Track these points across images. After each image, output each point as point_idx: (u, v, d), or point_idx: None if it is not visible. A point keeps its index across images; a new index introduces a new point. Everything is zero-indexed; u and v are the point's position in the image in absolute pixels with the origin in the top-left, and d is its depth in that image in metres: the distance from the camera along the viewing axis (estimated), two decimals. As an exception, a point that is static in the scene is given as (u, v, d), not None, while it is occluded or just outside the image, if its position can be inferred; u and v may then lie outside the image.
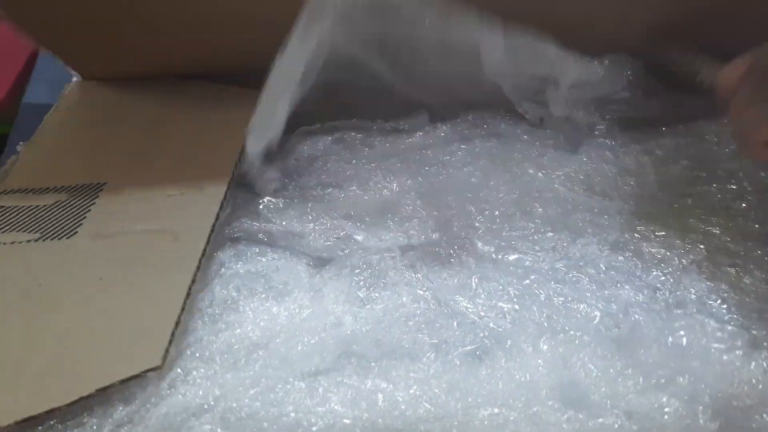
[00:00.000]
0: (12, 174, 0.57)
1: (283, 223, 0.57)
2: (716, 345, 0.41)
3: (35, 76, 1.28)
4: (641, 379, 0.40)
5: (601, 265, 0.54)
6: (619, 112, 0.67)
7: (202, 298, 0.48)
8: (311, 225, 0.57)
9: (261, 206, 0.58)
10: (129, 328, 0.43)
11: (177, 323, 0.43)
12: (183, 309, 0.44)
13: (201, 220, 0.51)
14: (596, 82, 0.64)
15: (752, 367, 0.40)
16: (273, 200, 0.59)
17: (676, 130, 0.64)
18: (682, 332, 0.42)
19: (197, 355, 0.43)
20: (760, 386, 0.40)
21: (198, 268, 0.47)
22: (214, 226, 0.51)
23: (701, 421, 0.39)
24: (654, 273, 0.53)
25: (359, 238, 0.56)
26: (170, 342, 0.42)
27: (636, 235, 0.56)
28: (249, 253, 0.53)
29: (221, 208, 0.53)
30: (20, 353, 0.42)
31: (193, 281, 0.46)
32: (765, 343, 0.43)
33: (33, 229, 0.52)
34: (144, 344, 0.42)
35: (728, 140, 0.62)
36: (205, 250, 0.49)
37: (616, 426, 0.38)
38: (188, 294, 0.45)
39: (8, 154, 1.16)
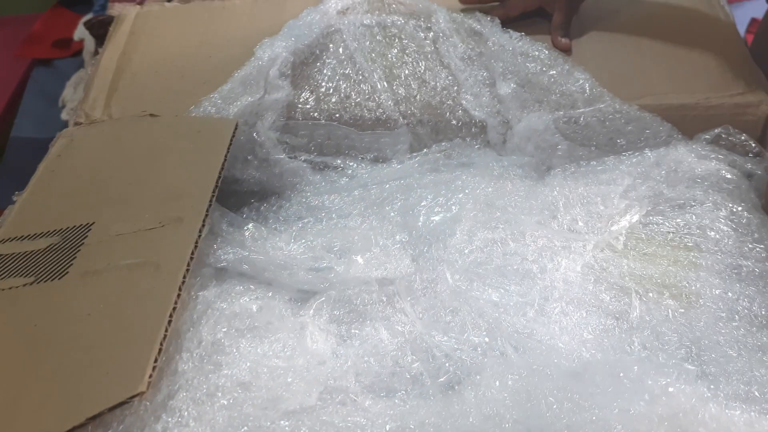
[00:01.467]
0: (8, 223, 0.60)
1: (269, 253, 0.60)
2: (664, 380, 0.45)
3: (21, 111, 1.30)
4: (597, 411, 0.44)
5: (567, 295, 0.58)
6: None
7: (191, 338, 0.51)
8: (293, 256, 0.60)
9: (247, 234, 0.61)
10: (115, 358, 0.46)
11: (159, 350, 0.46)
12: (165, 336, 0.47)
13: (180, 249, 0.54)
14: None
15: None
16: (257, 230, 0.61)
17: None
18: (635, 367, 0.46)
19: (188, 396, 0.46)
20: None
21: (178, 295, 0.50)
22: (193, 254, 0.54)
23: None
24: (607, 298, 0.57)
25: (339, 269, 0.59)
26: (153, 368, 0.45)
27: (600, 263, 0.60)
28: (233, 293, 0.56)
29: (200, 236, 0.55)
30: (15, 391, 0.45)
31: (174, 308, 0.49)
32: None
33: (28, 274, 0.55)
34: (128, 373, 0.45)
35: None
36: (184, 278, 0.51)
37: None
38: (170, 321, 0.48)
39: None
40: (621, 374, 0.45)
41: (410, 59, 0.77)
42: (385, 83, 0.74)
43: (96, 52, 1.24)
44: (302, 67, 0.75)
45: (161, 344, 0.46)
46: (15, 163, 1.20)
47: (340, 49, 0.77)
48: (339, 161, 0.70)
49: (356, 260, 0.57)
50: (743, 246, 0.62)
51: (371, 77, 0.74)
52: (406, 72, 0.76)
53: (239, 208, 0.68)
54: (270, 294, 0.57)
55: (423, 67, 0.76)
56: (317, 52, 0.76)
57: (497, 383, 0.47)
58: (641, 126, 0.69)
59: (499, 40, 0.77)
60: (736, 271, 0.60)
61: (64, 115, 1.19)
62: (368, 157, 0.71)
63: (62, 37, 1.43)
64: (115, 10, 1.33)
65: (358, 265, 0.57)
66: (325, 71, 0.75)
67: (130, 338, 0.47)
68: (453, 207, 0.64)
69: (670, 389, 0.44)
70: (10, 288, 0.54)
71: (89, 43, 1.30)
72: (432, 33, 0.79)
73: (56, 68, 1.40)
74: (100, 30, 1.23)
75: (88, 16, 1.35)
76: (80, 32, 1.36)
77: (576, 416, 0.44)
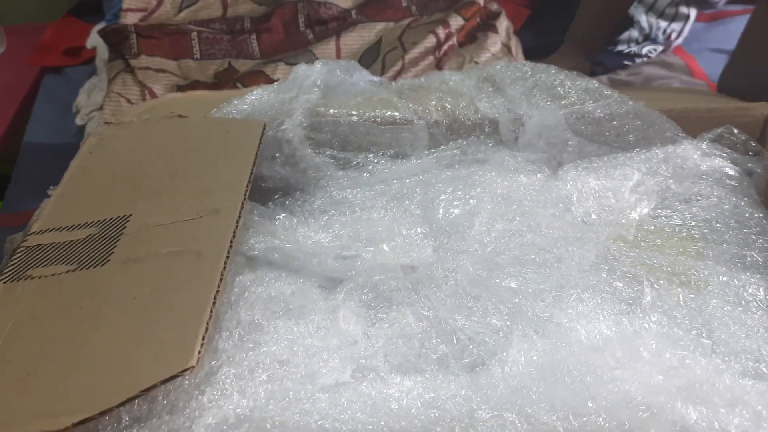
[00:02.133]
0: (45, 215, 0.62)
1: (298, 241, 0.62)
2: (681, 353, 0.48)
3: (33, 117, 1.32)
4: (618, 383, 0.47)
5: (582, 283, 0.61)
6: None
7: (230, 319, 0.53)
8: (322, 244, 0.63)
9: (277, 223, 0.64)
10: (162, 337, 0.48)
11: (206, 329, 0.48)
12: (210, 316, 0.49)
13: (220, 237, 0.57)
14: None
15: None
16: (287, 219, 0.64)
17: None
18: (653, 342, 0.49)
19: (231, 371, 0.49)
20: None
21: (221, 279, 0.52)
22: (231, 242, 0.56)
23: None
24: (620, 285, 0.60)
25: (366, 256, 0.62)
26: (202, 345, 0.47)
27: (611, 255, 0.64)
28: (267, 279, 0.59)
29: (237, 226, 0.58)
30: (67, 368, 0.47)
31: (218, 291, 0.51)
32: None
33: (70, 261, 0.57)
34: (178, 349, 0.47)
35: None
36: (225, 263, 0.54)
37: (600, 422, 0.44)
38: (214, 303, 0.50)
39: (11, 193, 1.20)
40: (641, 348, 0.48)
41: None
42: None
43: (109, 60, 1.27)
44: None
45: (207, 324, 0.48)
46: (28, 167, 1.22)
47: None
48: (361, 157, 0.73)
49: (382, 248, 0.60)
50: (747, 238, 0.66)
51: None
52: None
53: (264, 203, 0.70)
54: (301, 280, 0.59)
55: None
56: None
57: (523, 359, 0.50)
58: (648, 123, 0.73)
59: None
60: (740, 260, 0.64)
61: (78, 120, 1.22)
62: (389, 153, 0.74)
63: (73, 46, 1.46)
64: (128, 19, 1.37)
65: (384, 252, 0.60)
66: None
67: (177, 318, 0.49)
68: (471, 200, 0.67)
69: (687, 361, 0.47)
70: (53, 274, 0.56)
71: (102, 51, 1.33)
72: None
73: (67, 76, 1.43)
74: (114, 38, 1.26)
75: (101, 25, 1.38)
76: (93, 40, 1.39)
77: (599, 388, 0.46)
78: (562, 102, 0.75)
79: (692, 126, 0.74)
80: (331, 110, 0.74)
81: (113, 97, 1.14)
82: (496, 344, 0.56)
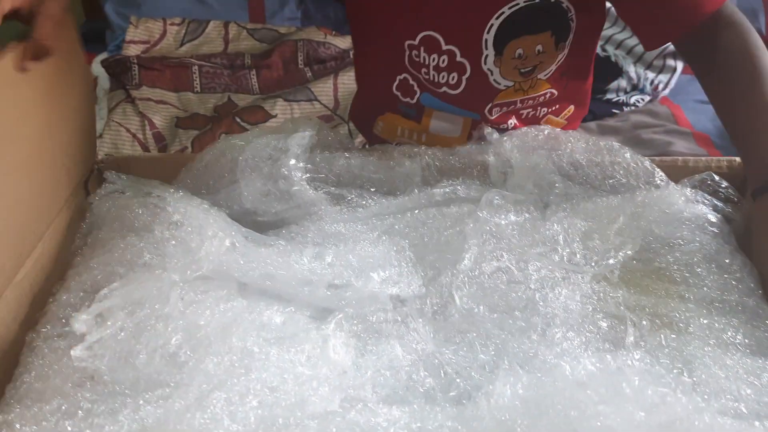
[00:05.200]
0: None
1: (292, 267, 0.63)
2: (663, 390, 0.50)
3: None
4: (602, 418, 0.48)
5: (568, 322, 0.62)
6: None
7: (221, 344, 0.54)
8: (314, 271, 0.64)
9: (270, 250, 0.65)
10: None
11: None
12: None
13: None
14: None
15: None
16: (281, 247, 0.65)
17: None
18: (636, 378, 0.51)
19: (221, 395, 0.49)
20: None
21: None
22: None
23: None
24: (605, 325, 0.62)
25: (358, 284, 0.63)
26: None
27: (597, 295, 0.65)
28: (259, 307, 0.60)
29: None
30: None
31: None
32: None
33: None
34: None
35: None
36: None
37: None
38: None
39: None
40: (623, 384, 0.49)
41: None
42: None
43: (110, 90, 1.30)
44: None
45: None
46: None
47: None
48: (354, 193, 0.75)
49: (373, 277, 0.61)
50: (727, 283, 0.68)
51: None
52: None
53: (259, 235, 0.72)
54: (292, 309, 0.60)
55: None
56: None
57: (509, 393, 0.51)
58: (633, 168, 0.75)
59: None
60: (720, 304, 0.65)
61: (76, 147, 1.24)
62: (383, 190, 0.76)
63: (74, 75, 1.49)
64: (130, 50, 1.40)
65: (375, 282, 0.61)
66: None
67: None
68: (460, 236, 0.69)
69: (669, 399, 0.48)
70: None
71: (103, 80, 1.36)
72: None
73: (66, 103, 1.45)
74: (117, 69, 1.29)
75: (103, 56, 1.42)
76: (95, 70, 1.42)
77: (582, 423, 0.48)
78: (550, 146, 0.78)
79: (675, 172, 0.77)
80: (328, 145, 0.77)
81: (113, 126, 1.17)
82: (483, 378, 0.57)
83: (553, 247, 0.69)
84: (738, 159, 0.79)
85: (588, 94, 0.94)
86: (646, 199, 0.73)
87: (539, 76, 0.81)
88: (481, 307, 0.62)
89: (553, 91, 0.84)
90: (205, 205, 0.72)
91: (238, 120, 1.22)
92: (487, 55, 0.77)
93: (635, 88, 1.39)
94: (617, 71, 1.37)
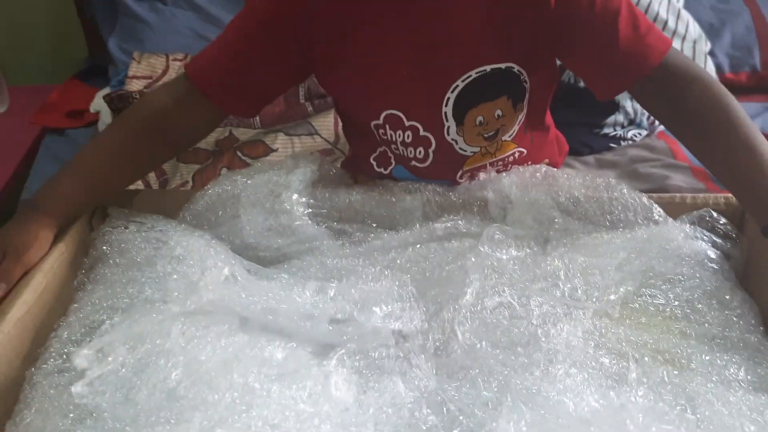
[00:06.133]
0: None
1: (295, 301, 0.63)
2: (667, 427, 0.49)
3: (33, 175, 1.34)
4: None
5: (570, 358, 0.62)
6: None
7: (222, 380, 0.54)
8: (316, 305, 0.64)
9: (273, 283, 0.65)
10: None
11: None
12: None
13: None
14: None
15: None
16: (284, 280, 0.65)
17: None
18: (640, 415, 0.50)
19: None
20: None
21: None
22: None
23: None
24: (607, 361, 0.62)
25: (360, 319, 0.63)
26: None
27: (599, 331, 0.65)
28: (261, 342, 0.60)
29: None
30: None
31: None
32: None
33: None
34: None
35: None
36: None
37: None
38: None
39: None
40: (627, 421, 0.49)
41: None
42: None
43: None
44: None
45: None
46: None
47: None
48: (356, 228, 0.76)
49: (375, 312, 0.61)
50: (728, 319, 0.68)
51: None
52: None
53: (260, 269, 0.72)
54: (294, 345, 0.60)
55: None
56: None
57: (512, 430, 0.51)
58: (631, 204, 0.76)
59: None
60: (722, 341, 0.66)
61: (78, 181, 1.24)
62: (384, 225, 0.76)
63: (76, 109, 1.51)
64: (133, 85, 1.42)
65: (377, 316, 0.61)
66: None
67: None
68: (462, 271, 0.69)
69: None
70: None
71: (105, 115, 1.37)
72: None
73: (68, 137, 1.46)
74: (120, 104, 1.30)
75: (106, 91, 1.43)
76: (97, 105, 1.43)
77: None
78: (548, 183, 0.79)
79: (673, 208, 0.78)
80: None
81: (115, 159, 1.17)
82: (486, 416, 0.56)
83: (554, 282, 0.69)
84: (735, 196, 0.80)
85: (554, 144, 0.94)
86: (645, 235, 0.73)
87: (504, 138, 0.82)
88: (484, 343, 0.62)
89: (521, 149, 0.85)
90: (206, 237, 0.72)
91: (239, 154, 1.23)
92: (449, 126, 0.79)
93: (632, 122, 1.40)
94: (614, 106, 1.39)
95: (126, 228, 0.75)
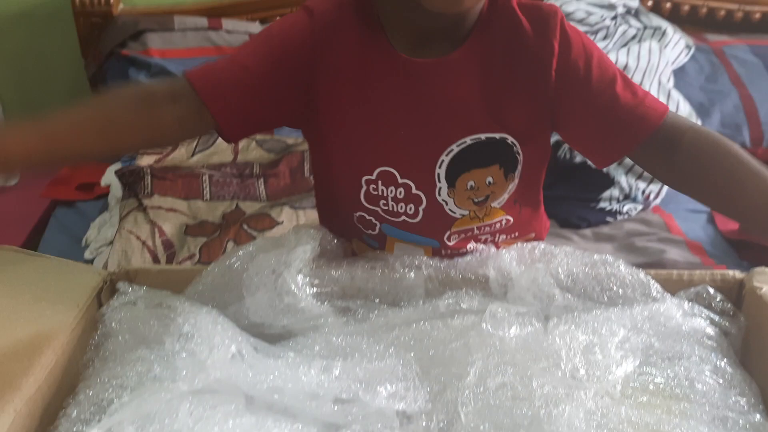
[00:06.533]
0: None
1: (300, 380, 0.64)
2: None
3: (42, 246, 1.36)
4: None
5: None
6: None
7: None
8: (321, 383, 0.64)
9: (279, 361, 0.66)
10: None
11: None
12: None
13: None
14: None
15: None
16: (289, 358, 0.66)
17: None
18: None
19: None
20: None
21: None
22: None
23: None
24: None
25: (365, 399, 0.63)
26: None
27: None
28: (267, 425, 0.61)
29: None
30: None
31: None
32: None
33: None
34: None
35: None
36: None
37: None
38: None
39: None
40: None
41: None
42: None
43: (123, 198, 1.35)
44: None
45: None
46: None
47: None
48: (359, 304, 0.78)
49: (380, 391, 0.62)
50: (728, 398, 0.69)
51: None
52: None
53: (265, 347, 0.73)
54: (300, 426, 0.61)
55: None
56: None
57: None
58: (629, 280, 0.78)
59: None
60: (722, 421, 0.66)
61: (87, 254, 1.26)
62: (387, 301, 0.78)
63: (86, 182, 1.55)
64: (143, 161, 1.46)
65: (381, 396, 0.62)
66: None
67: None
68: (465, 349, 0.70)
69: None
70: None
71: (116, 189, 1.41)
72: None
73: (78, 209, 1.49)
74: (131, 179, 1.34)
75: (117, 165, 1.47)
76: (108, 179, 1.47)
77: None
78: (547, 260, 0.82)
79: (670, 285, 0.80)
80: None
81: (124, 234, 1.20)
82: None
83: (555, 361, 0.70)
84: (731, 272, 0.82)
85: (542, 220, 0.96)
86: (645, 312, 0.75)
87: (492, 204, 0.85)
88: (487, 425, 0.63)
89: (509, 218, 0.88)
90: (213, 314, 0.74)
91: (245, 227, 1.26)
92: (440, 188, 0.82)
93: (627, 197, 1.44)
94: (609, 182, 1.43)
95: (134, 304, 0.76)
